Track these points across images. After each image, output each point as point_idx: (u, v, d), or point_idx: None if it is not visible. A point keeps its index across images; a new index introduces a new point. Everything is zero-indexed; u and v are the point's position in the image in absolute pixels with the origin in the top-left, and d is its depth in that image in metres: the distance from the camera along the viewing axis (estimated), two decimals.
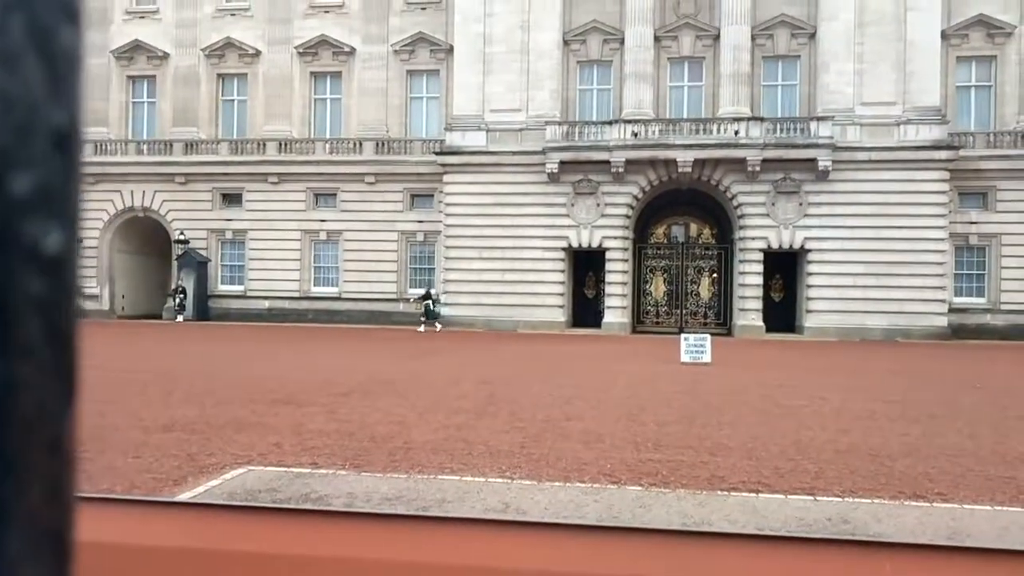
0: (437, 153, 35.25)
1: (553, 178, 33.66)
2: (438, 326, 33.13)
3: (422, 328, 32.74)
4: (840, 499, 6.83)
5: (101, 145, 38.73)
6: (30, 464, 0.37)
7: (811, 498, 6.84)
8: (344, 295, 37.10)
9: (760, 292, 33.38)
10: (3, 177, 0.36)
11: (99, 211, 38.81)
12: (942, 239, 32.21)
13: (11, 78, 0.36)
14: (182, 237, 37.77)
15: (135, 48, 39.37)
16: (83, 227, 0.41)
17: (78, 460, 0.40)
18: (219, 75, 39.24)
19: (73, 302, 0.39)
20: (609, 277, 34.08)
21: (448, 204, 35.02)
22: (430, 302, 33.82)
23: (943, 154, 32.05)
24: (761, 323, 32.89)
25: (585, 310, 35.51)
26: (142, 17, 39.61)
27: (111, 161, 38.38)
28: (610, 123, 33.36)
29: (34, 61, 0.37)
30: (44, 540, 0.39)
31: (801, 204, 32.77)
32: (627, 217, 33.92)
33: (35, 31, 0.37)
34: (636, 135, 32.78)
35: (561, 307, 34.31)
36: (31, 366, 0.37)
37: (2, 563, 0.37)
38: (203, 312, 36.90)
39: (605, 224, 33.83)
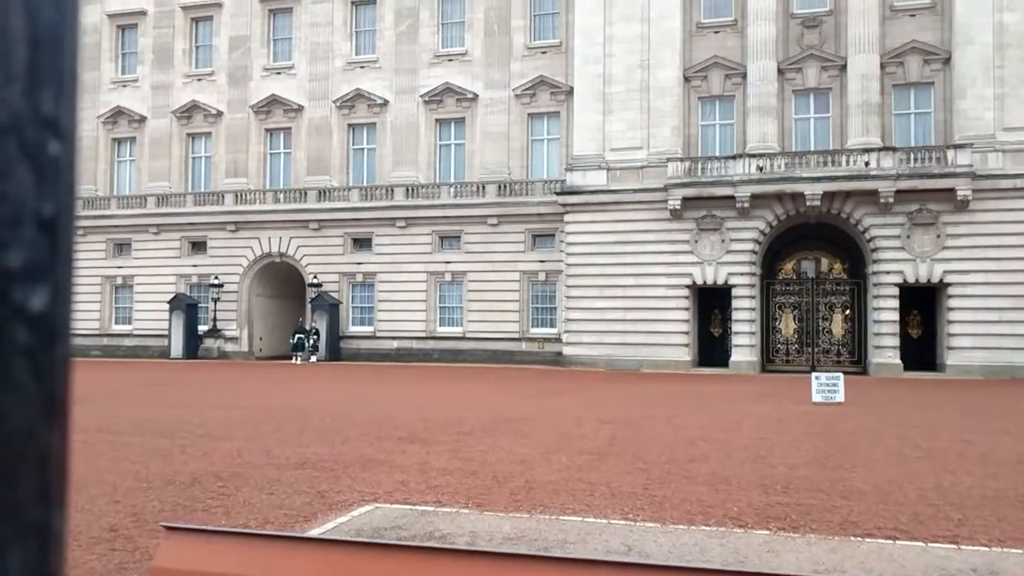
0: (558, 193, 35.52)
1: (675, 215, 33.33)
2: (313, 359, 37.35)
3: (298, 360, 37.37)
4: (987, 548, 6.43)
5: (241, 195, 41.03)
6: (18, 470, 0.50)
7: (954, 546, 6.47)
8: (468, 335, 37.67)
9: (896, 328, 31.88)
10: None
11: (239, 257, 40.98)
12: None
13: (5, 183, 0.50)
14: (315, 281, 39.32)
15: (272, 102, 41.63)
16: (73, 290, 0.55)
17: (66, 469, 0.53)
18: (349, 125, 40.95)
19: (60, 348, 0.53)
20: (736, 315, 33.30)
21: (569, 244, 35.15)
22: (305, 335, 37.85)
23: None
24: (898, 361, 31.36)
25: (711, 349, 34.78)
26: (278, 73, 41.90)
27: (250, 210, 40.63)
28: (734, 158, 32.84)
29: (25, 169, 0.51)
30: (30, 529, 0.51)
31: (939, 236, 31.26)
32: (753, 253, 33.16)
33: (26, 147, 0.51)
34: (761, 169, 32.15)
35: (686, 346, 33.73)
36: (17, 398, 0.50)
37: None
38: (335, 353, 38.16)
39: (730, 260, 33.18)
